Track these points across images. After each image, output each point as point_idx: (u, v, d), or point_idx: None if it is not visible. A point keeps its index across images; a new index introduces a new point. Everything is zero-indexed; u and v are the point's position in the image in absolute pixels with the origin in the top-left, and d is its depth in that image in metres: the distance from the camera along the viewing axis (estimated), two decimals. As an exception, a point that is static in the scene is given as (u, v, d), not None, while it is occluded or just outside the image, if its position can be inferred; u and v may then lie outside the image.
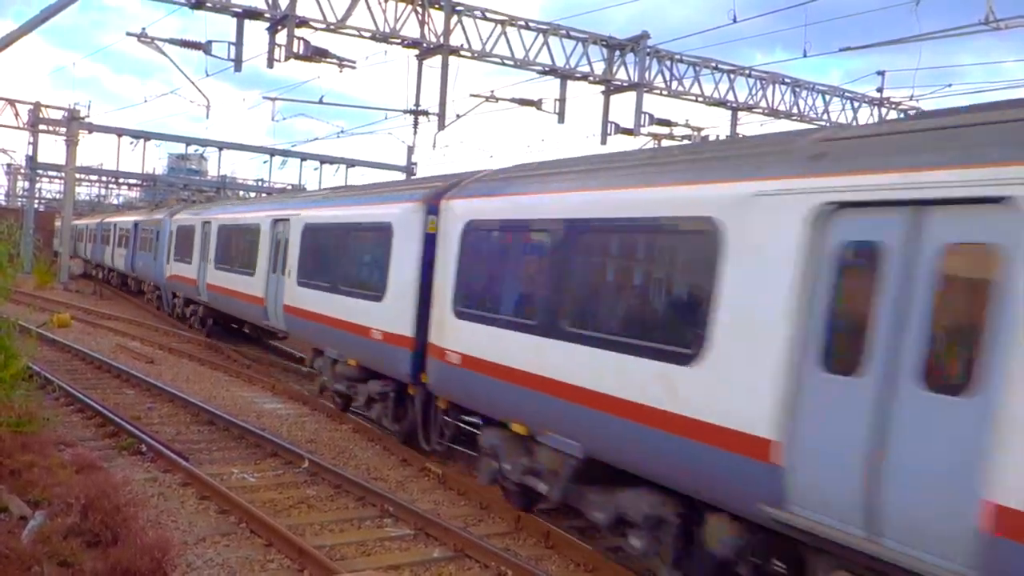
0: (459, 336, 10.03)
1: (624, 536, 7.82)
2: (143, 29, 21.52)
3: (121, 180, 52.57)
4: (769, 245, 6.25)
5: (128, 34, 21.80)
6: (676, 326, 7.15)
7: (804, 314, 5.91)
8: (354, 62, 20.84)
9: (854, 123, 27.23)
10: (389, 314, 11.93)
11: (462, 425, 11.43)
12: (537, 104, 24.26)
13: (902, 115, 28.04)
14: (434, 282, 10.78)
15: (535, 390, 8.55)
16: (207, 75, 22.43)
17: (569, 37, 23.29)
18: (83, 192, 64.38)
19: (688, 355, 6.79)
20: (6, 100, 41.03)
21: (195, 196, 44.77)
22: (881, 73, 26.68)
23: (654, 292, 7.69)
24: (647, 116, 25.15)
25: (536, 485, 8.88)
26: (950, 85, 33.26)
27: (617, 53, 23.92)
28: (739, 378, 6.33)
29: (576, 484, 8.28)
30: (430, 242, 11.16)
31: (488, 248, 9.87)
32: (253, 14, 19.38)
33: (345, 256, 14.05)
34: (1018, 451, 4.62)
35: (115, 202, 62.82)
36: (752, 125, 27.79)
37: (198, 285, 23.11)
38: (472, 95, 24.48)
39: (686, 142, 11.25)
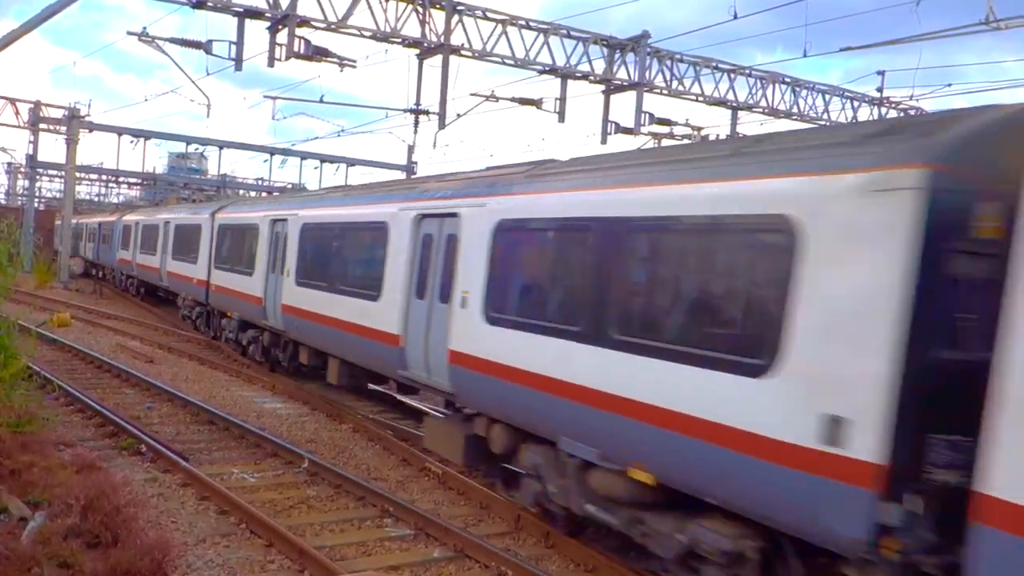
0: (217, 277, 21.13)
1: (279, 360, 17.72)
2: (144, 28, 21.55)
3: (121, 179, 52.57)
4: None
5: (129, 33, 21.84)
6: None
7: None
8: (355, 61, 20.82)
9: (853, 122, 27.21)
10: (199, 270, 22.74)
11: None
12: (537, 103, 24.24)
13: (902, 115, 28.04)
14: (212, 253, 21.81)
15: (236, 298, 19.36)
16: (208, 74, 22.44)
17: (569, 37, 23.27)
18: (83, 191, 64.38)
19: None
20: (6, 99, 41.02)
21: (195, 195, 44.92)
22: (881, 73, 26.70)
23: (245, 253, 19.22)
24: (647, 115, 25.14)
25: (243, 339, 19.44)
26: (950, 85, 33.35)
27: (617, 53, 23.91)
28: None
29: (241, 330, 19.48)
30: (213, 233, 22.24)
31: (224, 235, 20.99)
32: (254, 13, 19.37)
33: (184, 241, 25.13)
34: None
35: (115, 201, 62.82)
36: (752, 124, 27.80)
37: (132, 264, 34.64)
38: (472, 94, 24.48)
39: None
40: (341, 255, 14.44)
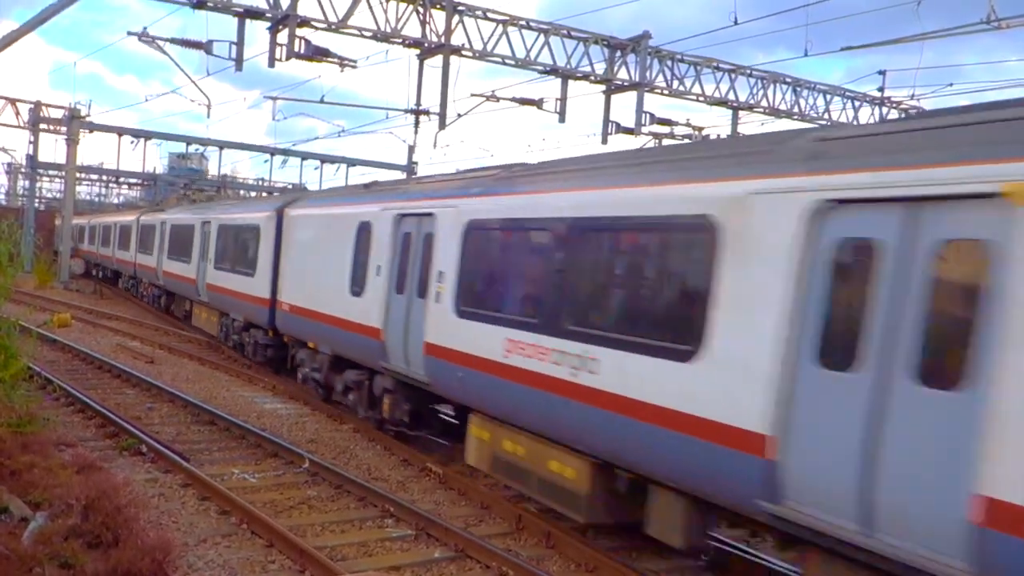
0: (157, 262, 28.16)
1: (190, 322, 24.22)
2: (144, 28, 21.54)
3: (122, 179, 52.58)
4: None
5: (129, 33, 21.84)
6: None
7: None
8: (355, 62, 20.81)
9: (855, 121, 27.21)
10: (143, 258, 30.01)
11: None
12: (538, 104, 24.22)
13: (903, 114, 28.03)
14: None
15: (140, 268, 32.20)
16: (208, 74, 22.45)
17: (570, 37, 23.26)
18: (84, 191, 64.43)
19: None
20: (7, 99, 41.01)
21: (194, 196, 45.06)
22: (882, 72, 26.66)
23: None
24: (648, 115, 25.11)
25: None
26: (951, 84, 33.24)
27: (618, 53, 23.89)
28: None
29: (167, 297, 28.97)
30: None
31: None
32: (254, 14, 19.36)
33: (108, 237, 38.36)
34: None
35: (115, 201, 62.90)
36: (753, 125, 27.78)
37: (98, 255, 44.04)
38: (473, 94, 24.45)
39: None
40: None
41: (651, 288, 7.89)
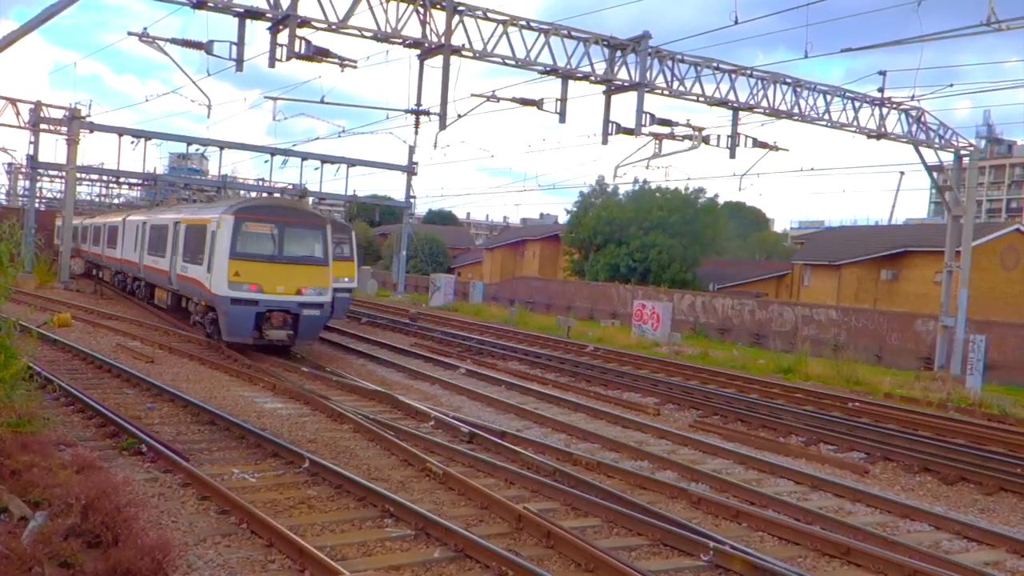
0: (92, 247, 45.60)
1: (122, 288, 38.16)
2: (144, 28, 21.53)
3: (122, 179, 52.56)
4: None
5: (129, 33, 21.84)
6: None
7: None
8: (355, 62, 20.78)
9: (854, 122, 27.21)
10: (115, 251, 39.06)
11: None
12: (538, 104, 24.18)
13: (903, 115, 28.03)
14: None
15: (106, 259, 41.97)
16: (208, 75, 22.49)
17: (570, 37, 23.22)
18: (84, 191, 64.39)
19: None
20: (7, 99, 41.04)
21: (195, 196, 45.16)
22: (883, 73, 26.63)
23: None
24: (648, 116, 25.06)
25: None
26: (951, 85, 33.26)
27: (618, 53, 23.87)
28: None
29: (103, 271, 43.43)
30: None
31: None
32: (254, 14, 19.34)
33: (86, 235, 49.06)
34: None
35: (116, 201, 62.90)
36: (753, 125, 27.72)
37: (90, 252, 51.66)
38: (474, 95, 24.40)
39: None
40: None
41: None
